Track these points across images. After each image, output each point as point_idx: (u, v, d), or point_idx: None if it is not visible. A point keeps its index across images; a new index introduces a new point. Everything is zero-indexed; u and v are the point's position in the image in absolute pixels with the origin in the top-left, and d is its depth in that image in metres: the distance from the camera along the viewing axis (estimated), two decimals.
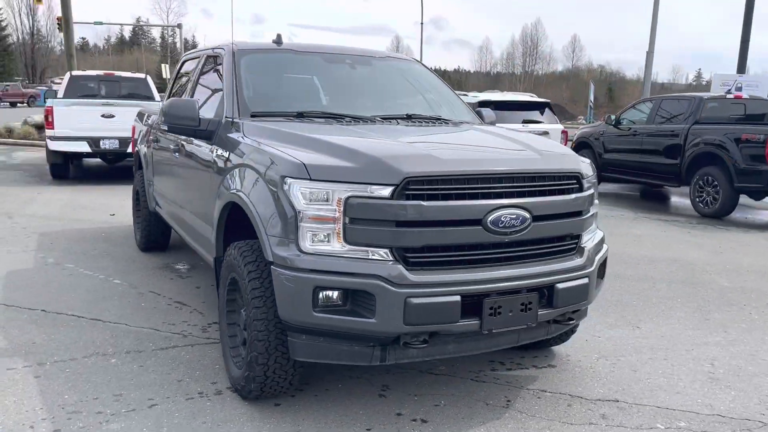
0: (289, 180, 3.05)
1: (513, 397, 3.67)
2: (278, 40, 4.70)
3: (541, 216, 3.25)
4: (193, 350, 4.19)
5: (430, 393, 3.68)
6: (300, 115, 4.01)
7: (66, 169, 11.91)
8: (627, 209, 10.74)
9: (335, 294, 3.02)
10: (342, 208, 2.97)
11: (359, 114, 4.14)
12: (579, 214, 3.45)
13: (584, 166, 3.59)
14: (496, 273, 3.14)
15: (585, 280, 3.41)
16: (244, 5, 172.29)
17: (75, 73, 13.02)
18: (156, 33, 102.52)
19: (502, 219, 3.10)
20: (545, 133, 10.40)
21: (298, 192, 3.02)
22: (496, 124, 4.92)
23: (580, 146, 12.84)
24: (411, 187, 2.99)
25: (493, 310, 3.11)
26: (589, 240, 3.58)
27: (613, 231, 8.78)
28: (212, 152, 4.06)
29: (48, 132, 11.29)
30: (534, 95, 11.99)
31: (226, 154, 3.82)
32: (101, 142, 11.20)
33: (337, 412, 3.42)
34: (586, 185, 3.50)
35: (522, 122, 10.30)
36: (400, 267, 2.98)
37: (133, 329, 4.52)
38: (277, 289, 3.07)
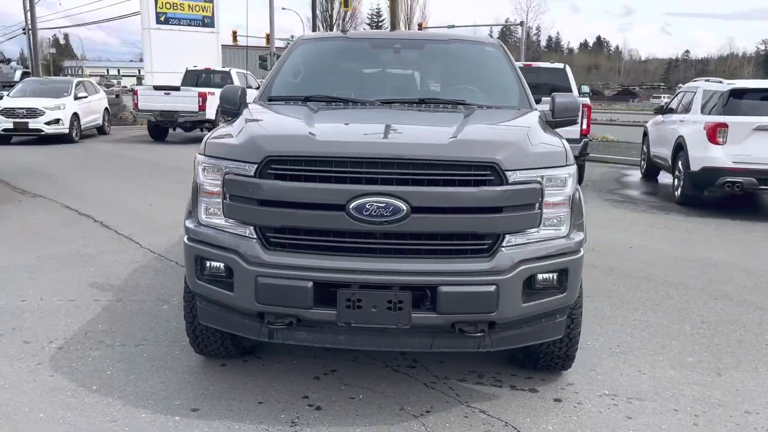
0: (196, 155, 3.32)
1: (440, 410, 3.32)
2: (343, 29, 4.86)
3: (426, 208, 2.90)
4: None
5: (361, 386, 3.55)
6: (307, 99, 4.16)
7: None
8: None
9: (221, 266, 3.19)
10: (222, 184, 3.13)
11: (365, 98, 4.12)
12: (496, 210, 2.95)
13: (519, 156, 3.02)
14: (356, 264, 2.94)
15: (490, 288, 2.92)
16: None
17: None
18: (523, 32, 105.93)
19: (367, 207, 2.87)
20: None
21: (200, 167, 3.26)
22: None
23: None
24: (273, 166, 2.99)
25: (351, 303, 2.93)
26: (522, 244, 3.02)
27: None
28: None
29: None
30: None
31: None
32: None
33: (257, 383, 3.57)
34: (513, 178, 2.96)
35: None
36: (257, 245, 3.02)
37: None
38: (184, 257, 3.37)
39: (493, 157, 2.95)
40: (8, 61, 28.54)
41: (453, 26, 47.89)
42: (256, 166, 3.01)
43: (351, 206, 2.88)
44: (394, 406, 3.35)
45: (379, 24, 79.67)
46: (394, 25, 25.09)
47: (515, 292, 2.98)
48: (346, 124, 3.59)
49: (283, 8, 56.43)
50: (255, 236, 3.05)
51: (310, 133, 3.11)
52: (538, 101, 10.00)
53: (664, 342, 4.29)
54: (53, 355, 3.86)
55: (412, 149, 2.98)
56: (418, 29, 50.49)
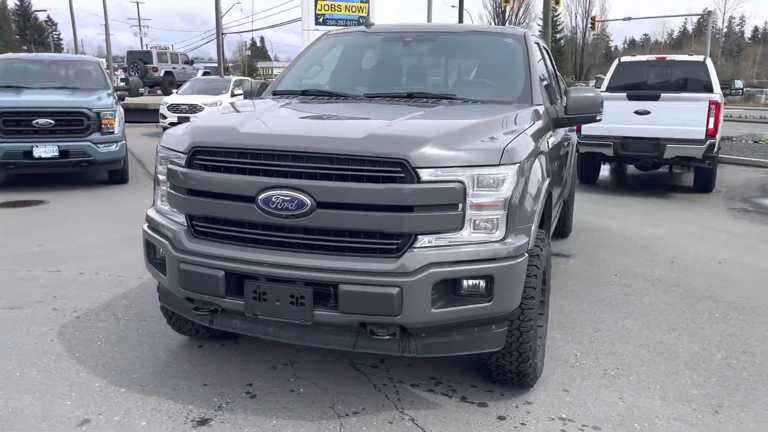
0: (157, 146, 3.52)
1: (369, 412, 3.23)
2: (367, 23, 4.84)
3: (331, 204, 2.83)
4: None
5: (310, 380, 3.55)
6: (303, 93, 4.23)
7: (593, 173, 10.64)
8: None
9: (162, 251, 3.36)
10: (166, 173, 3.30)
11: (354, 92, 4.13)
12: (406, 209, 2.80)
13: (438, 152, 2.83)
14: (263, 256, 2.95)
15: (391, 290, 2.78)
16: None
17: (624, 59, 11.45)
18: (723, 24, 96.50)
19: (273, 200, 2.88)
20: None
21: (157, 156, 3.46)
22: None
23: None
24: (199, 156, 3.10)
25: (256, 295, 2.95)
26: (439, 246, 2.84)
27: None
28: None
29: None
30: None
31: None
32: (625, 145, 9.55)
33: (217, 366, 3.71)
34: (426, 176, 2.79)
35: None
36: (185, 233, 3.14)
37: None
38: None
39: (403, 153, 2.80)
40: (192, 62, 31.74)
41: (629, 18, 45.11)
42: (186, 156, 3.13)
43: (260, 198, 2.90)
44: (326, 404, 3.31)
45: (555, 18, 77.02)
46: (546, 20, 24.04)
47: (422, 296, 2.80)
48: (292, 117, 3.60)
49: (453, 6, 56.40)
50: (186, 224, 3.18)
51: (237, 125, 3.17)
52: (655, 98, 9.16)
53: (678, 369, 3.78)
54: (66, 323, 4.30)
55: (321, 143, 2.91)
56: (592, 23, 48.20)
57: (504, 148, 2.96)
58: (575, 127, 7.04)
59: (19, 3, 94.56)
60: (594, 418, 3.21)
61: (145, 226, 3.47)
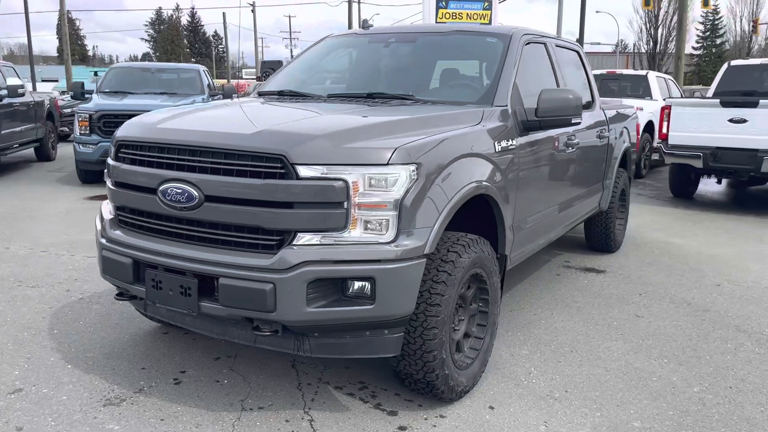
0: None
1: (274, 409, 3.22)
2: (364, 26, 4.83)
3: (216, 197, 2.88)
4: None
5: (240, 373, 3.60)
6: (279, 94, 4.31)
7: (687, 186, 9.91)
8: None
9: None
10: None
11: (320, 93, 4.17)
12: (285, 205, 2.78)
13: (320, 149, 2.78)
14: (161, 246, 3.05)
15: (265, 286, 2.77)
16: None
17: (734, 62, 10.85)
18: None
19: (169, 192, 2.98)
20: None
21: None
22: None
23: None
24: (121, 150, 3.27)
25: (154, 283, 3.06)
26: (321, 244, 2.79)
27: None
28: None
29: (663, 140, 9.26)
30: None
31: None
32: (717, 156, 8.58)
33: (165, 352, 3.87)
34: (305, 173, 2.75)
35: None
36: (107, 222, 3.34)
37: None
38: None
39: (281, 148, 2.78)
40: None
41: None
42: (114, 149, 3.33)
43: (159, 190, 3.02)
44: (239, 397, 3.34)
45: (716, 22, 71.50)
46: (681, 22, 22.26)
47: (297, 294, 2.76)
48: (216, 115, 3.67)
49: (597, 11, 54.28)
50: (113, 214, 3.37)
51: (158, 120, 3.30)
52: (753, 104, 8.35)
53: (635, 398, 3.40)
54: (66, 304, 4.67)
55: (211, 138, 2.96)
56: (753, 26, 44.21)
57: (397, 147, 2.85)
58: (630, 133, 6.54)
59: (190, 19, 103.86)
60: None
61: (96, 217, 3.71)
